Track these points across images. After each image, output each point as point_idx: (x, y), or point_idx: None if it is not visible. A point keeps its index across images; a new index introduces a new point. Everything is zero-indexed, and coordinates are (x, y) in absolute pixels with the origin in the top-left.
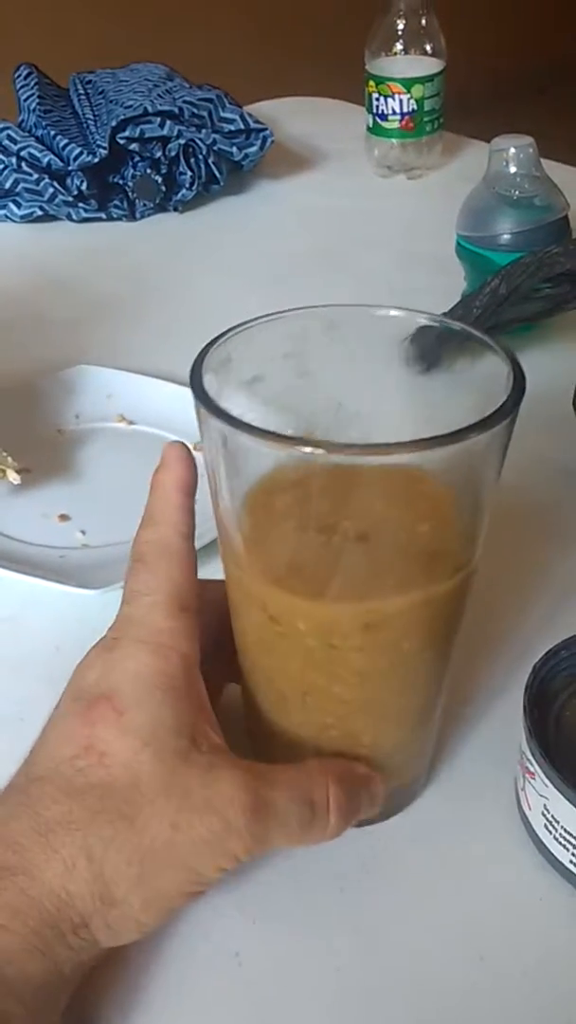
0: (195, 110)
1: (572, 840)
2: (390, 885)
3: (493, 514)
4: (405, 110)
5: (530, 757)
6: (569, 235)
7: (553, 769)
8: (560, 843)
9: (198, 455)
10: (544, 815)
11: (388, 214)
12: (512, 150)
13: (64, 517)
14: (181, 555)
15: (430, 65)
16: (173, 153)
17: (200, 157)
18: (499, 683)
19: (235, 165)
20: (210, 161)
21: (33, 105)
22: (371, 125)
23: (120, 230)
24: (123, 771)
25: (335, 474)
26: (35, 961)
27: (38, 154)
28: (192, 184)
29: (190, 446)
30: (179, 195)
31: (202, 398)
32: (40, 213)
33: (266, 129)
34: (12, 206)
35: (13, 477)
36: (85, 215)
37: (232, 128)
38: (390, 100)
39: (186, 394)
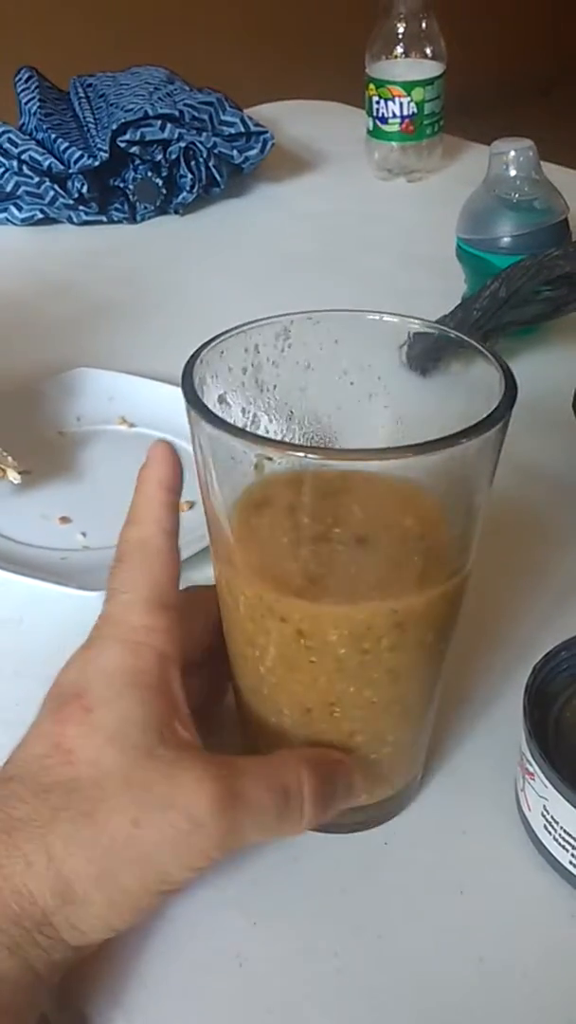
0: (196, 113)
1: (572, 841)
2: (391, 886)
3: (494, 516)
4: (405, 113)
5: (530, 758)
6: (569, 238)
7: (553, 770)
8: (560, 844)
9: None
10: (544, 816)
11: (388, 217)
12: (512, 153)
13: (65, 519)
14: (163, 553)
15: (430, 68)
16: (174, 156)
17: (201, 160)
18: (499, 684)
19: (235, 168)
20: (210, 164)
21: (34, 108)
22: (371, 128)
23: (121, 233)
24: (88, 768)
25: (330, 479)
26: (5, 959)
27: (39, 157)
28: (193, 187)
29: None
30: (180, 198)
31: (193, 402)
32: (41, 216)
33: (266, 132)
34: (13, 209)
35: (14, 477)
36: (86, 218)
37: (232, 131)
38: (390, 103)
39: None
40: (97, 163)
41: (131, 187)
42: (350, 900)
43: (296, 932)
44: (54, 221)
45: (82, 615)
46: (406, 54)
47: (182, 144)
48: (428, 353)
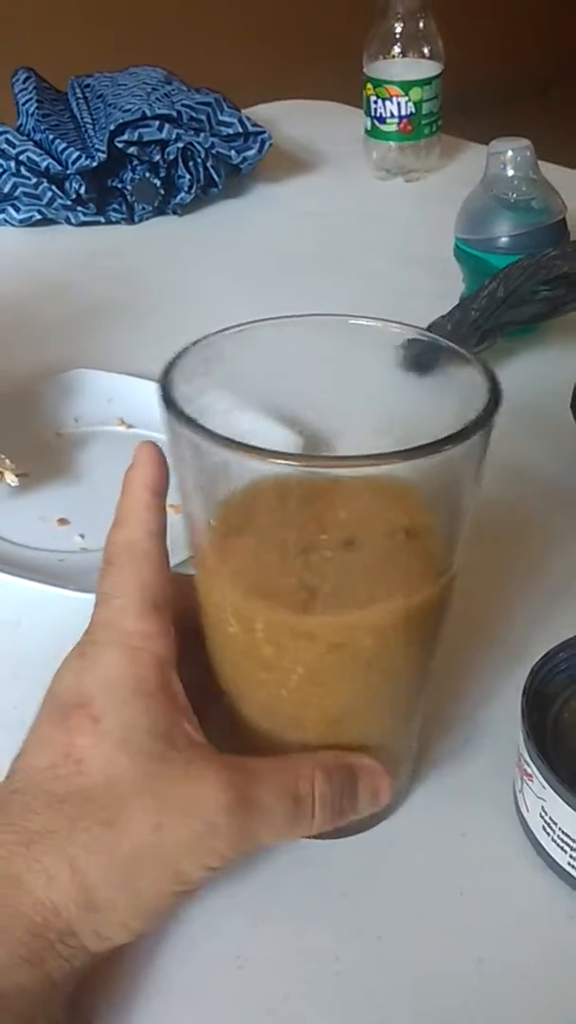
0: (193, 113)
1: (570, 842)
2: (390, 887)
3: (492, 517)
4: (403, 113)
5: (528, 759)
6: (567, 237)
7: (551, 771)
8: (558, 845)
9: None
10: (542, 817)
11: (386, 217)
12: (510, 153)
13: (63, 521)
14: (151, 555)
15: (428, 68)
16: (172, 156)
17: (198, 160)
18: (497, 685)
19: (233, 168)
20: (208, 164)
21: (31, 109)
22: (369, 128)
23: (119, 234)
24: (101, 777)
25: (316, 484)
26: (25, 972)
27: (36, 158)
28: (191, 187)
29: None
30: (178, 198)
31: (172, 408)
32: (39, 217)
33: (264, 132)
34: (11, 210)
35: (11, 479)
36: (84, 219)
37: (230, 131)
38: (388, 103)
39: None
40: (95, 164)
41: (129, 188)
42: (350, 902)
43: (296, 934)
44: (52, 222)
45: (80, 617)
46: (404, 54)
47: (180, 144)
48: (424, 355)
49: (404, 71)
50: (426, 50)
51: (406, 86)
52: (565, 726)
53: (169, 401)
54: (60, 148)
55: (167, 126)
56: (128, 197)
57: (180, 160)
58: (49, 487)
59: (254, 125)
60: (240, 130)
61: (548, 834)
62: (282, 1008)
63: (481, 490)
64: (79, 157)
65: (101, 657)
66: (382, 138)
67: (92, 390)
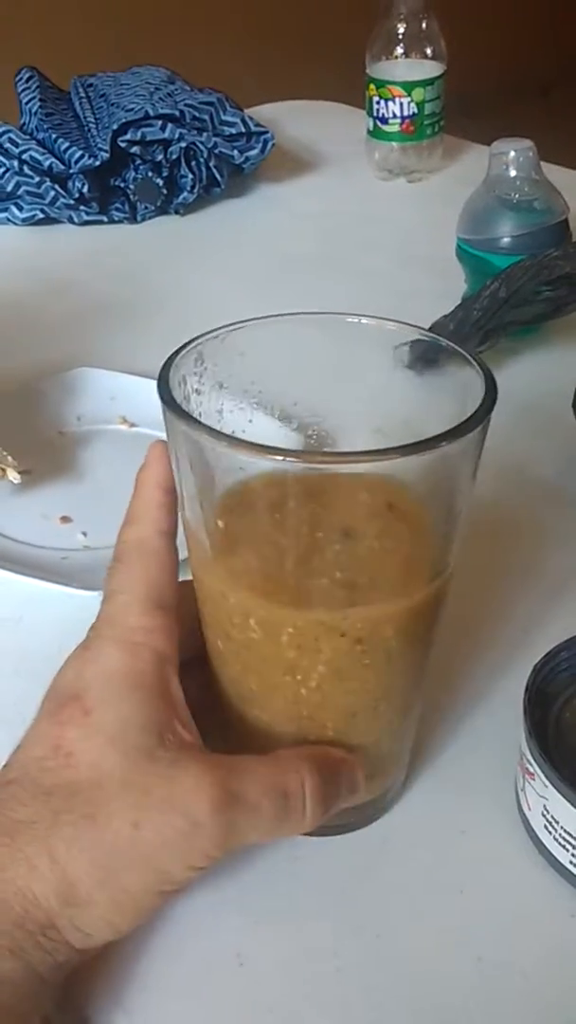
0: (196, 113)
1: (572, 841)
2: (390, 885)
3: (494, 515)
4: (406, 113)
5: (530, 758)
6: (569, 238)
7: (553, 770)
8: (560, 843)
9: None
10: (544, 816)
11: (388, 217)
12: (512, 153)
13: (66, 519)
14: (160, 553)
15: (431, 68)
16: (174, 156)
17: (201, 160)
18: (499, 684)
19: (236, 168)
20: (211, 164)
21: (35, 108)
22: (372, 128)
23: (121, 233)
24: (88, 770)
25: (313, 480)
26: (7, 960)
27: (39, 157)
28: (193, 187)
29: None
30: (180, 198)
31: (169, 403)
32: (41, 216)
33: (267, 132)
34: (14, 209)
35: (14, 476)
36: (86, 218)
37: (233, 131)
38: (390, 103)
39: None
40: (98, 163)
41: (132, 187)
42: (349, 900)
43: (296, 932)
44: (55, 221)
45: (83, 614)
46: (406, 54)
47: (183, 144)
48: (426, 354)
49: (406, 71)
50: (428, 50)
51: (408, 86)
52: (567, 724)
53: (167, 398)
54: (63, 147)
55: (170, 126)
56: (131, 196)
57: (183, 160)
58: (52, 485)
59: (257, 125)
60: (243, 130)
61: (550, 833)
62: (281, 1006)
63: (476, 487)
64: (82, 156)
65: (101, 651)
66: (384, 138)
67: (95, 388)
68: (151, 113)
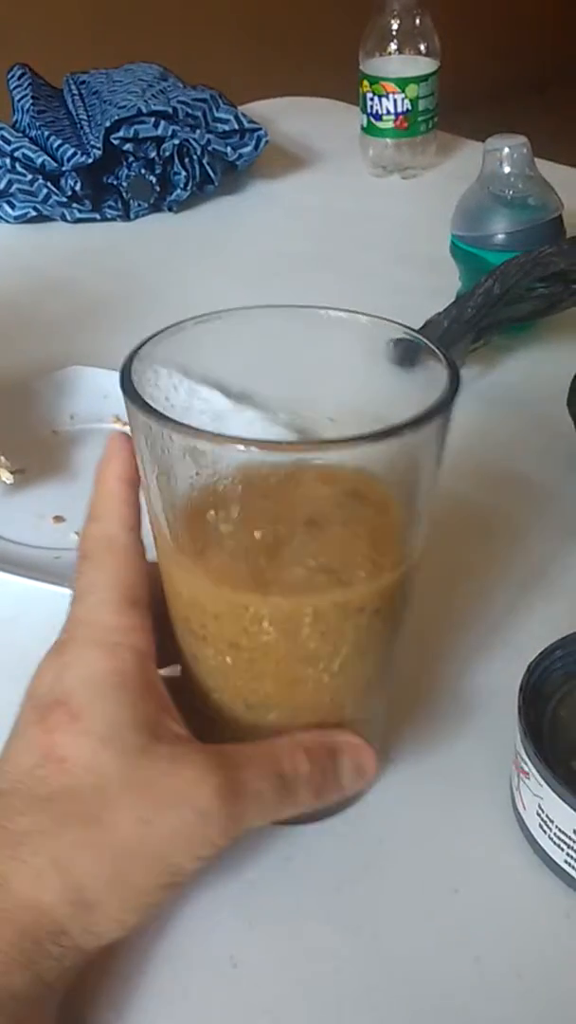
0: (189, 110)
1: (567, 840)
2: (386, 886)
3: (489, 513)
4: (399, 110)
5: (525, 757)
6: (563, 235)
7: (548, 769)
8: (555, 843)
9: None
10: (539, 815)
11: (382, 214)
12: (506, 150)
13: (59, 518)
14: (127, 549)
15: (424, 65)
16: (167, 153)
17: (194, 157)
18: (494, 682)
19: (230, 165)
20: (204, 161)
21: (27, 105)
22: (365, 125)
23: (115, 231)
24: (85, 774)
25: (279, 470)
26: (17, 974)
27: (32, 155)
28: (187, 184)
29: None
30: (174, 195)
31: (130, 395)
32: (34, 214)
33: (260, 129)
34: (6, 207)
35: (6, 476)
36: (79, 216)
37: (226, 128)
38: (384, 100)
39: None
40: (91, 160)
41: (125, 184)
42: (345, 900)
43: (291, 933)
44: (47, 219)
45: None
46: (400, 51)
47: (176, 141)
48: (409, 350)
49: (400, 68)
50: (422, 47)
51: (402, 83)
52: (561, 723)
53: (128, 389)
54: (56, 145)
55: (163, 123)
56: (124, 194)
57: (176, 157)
58: (45, 484)
59: (250, 122)
60: (236, 127)
61: (545, 832)
62: (277, 1007)
63: (473, 486)
64: (75, 154)
65: (79, 654)
66: (378, 135)
67: (88, 387)
68: (144, 110)
